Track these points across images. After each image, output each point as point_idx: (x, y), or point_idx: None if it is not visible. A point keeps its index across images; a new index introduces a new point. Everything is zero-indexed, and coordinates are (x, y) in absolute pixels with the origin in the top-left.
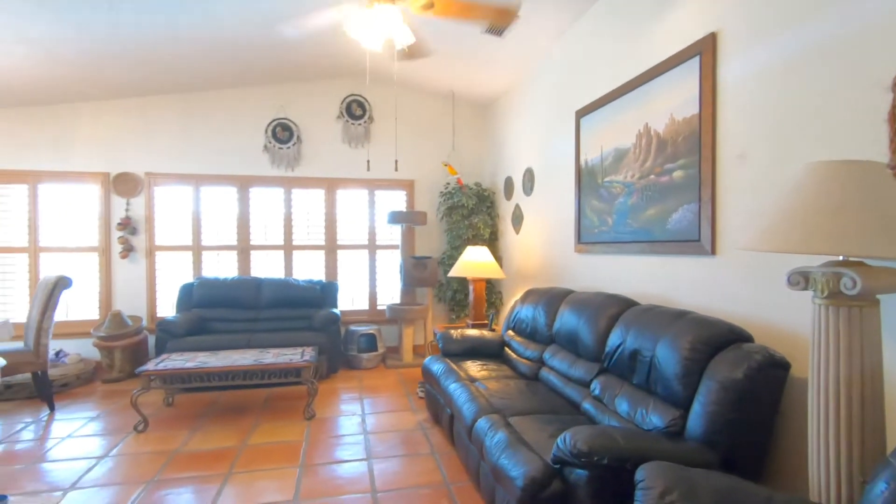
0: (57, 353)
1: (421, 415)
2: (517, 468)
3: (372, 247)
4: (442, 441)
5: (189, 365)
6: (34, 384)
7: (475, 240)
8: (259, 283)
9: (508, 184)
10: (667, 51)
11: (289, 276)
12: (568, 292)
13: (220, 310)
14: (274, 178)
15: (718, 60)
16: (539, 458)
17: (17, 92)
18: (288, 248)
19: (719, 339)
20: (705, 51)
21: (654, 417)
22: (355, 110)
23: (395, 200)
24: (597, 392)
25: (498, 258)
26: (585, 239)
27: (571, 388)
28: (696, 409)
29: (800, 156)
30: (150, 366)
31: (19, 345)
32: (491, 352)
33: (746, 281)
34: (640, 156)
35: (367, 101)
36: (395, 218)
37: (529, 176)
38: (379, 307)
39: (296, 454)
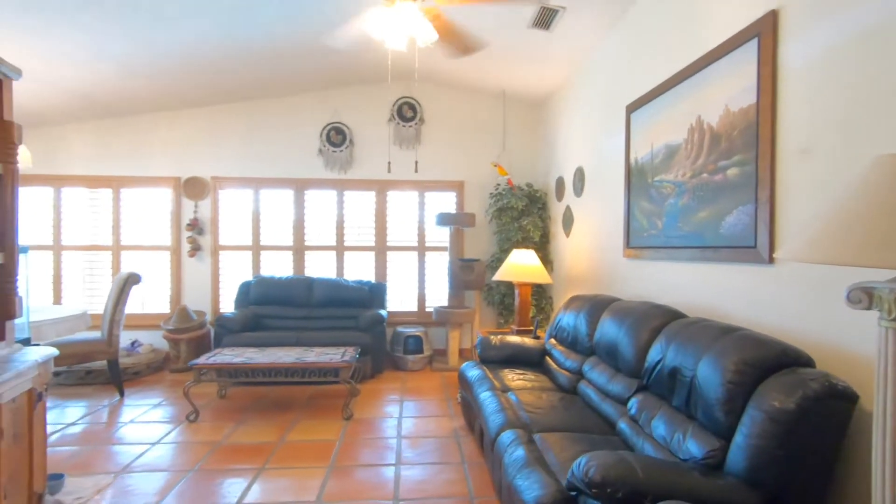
0: (133, 343)
1: (457, 422)
2: (530, 491)
3: (421, 248)
4: (474, 451)
5: (236, 360)
6: (108, 371)
7: (525, 242)
8: (311, 283)
9: (560, 184)
10: (721, 35)
11: (340, 276)
12: (612, 300)
13: (274, 307)
14: (327, 181)
15: (780, 41)
16: (555, 482)
17: (103, 104)
18: (340, 248)
19: (770, 361)
20: (764, 32)
21: (692, 446)
22: (406, 112)
23: (446, 202)
24: (633, 411)
25: (549, 262)
26: (634, 243)
27: (608, 405)
28: (738, 440)
29: (876, 149)
30: (201, 359)
31: (96, 334)
32: (531, 360)
33: (810, 295)
34: (692, 152)
35: (418, 102)
36: (443, 220)
37: (580, 176)
38: (427, 309)
39: (328, 454)
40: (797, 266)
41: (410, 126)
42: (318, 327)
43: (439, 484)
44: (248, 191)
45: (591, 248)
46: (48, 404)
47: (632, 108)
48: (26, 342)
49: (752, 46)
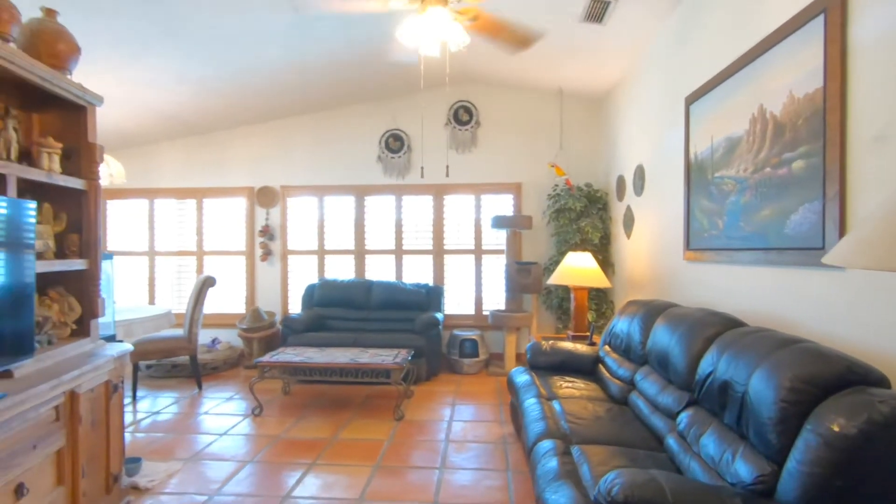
0: (213, 341)
1: (508, 428)
2: None
3: (478, 251)
4: (520, 459)
5: (296, 359)
6: (189, 365)
7: (583, 245)
8: (370, 286)
9: (620, 183)
10: (784, 13)
11: (399, 279)
12: (668, 306)
13: (336, 309)
14: (386, 186)
15: (849, 17)
16: (584, 498)
17: (187, 123)
18: (398, 252)
19: (832, 377)
20: (831, 7)
21: (742, 468)
22: (462, 116)
23: (503, 204)
24: (682, 427)
25: (610, 265)
26: (695, 245)
27: (658, 419)
28: (791, 466)
29: None
30: (265, 358)
31: (179, 332)
32: (583, 368)
33: (889, 304)
34: (754, 145)
35: (474, 105)
36: (499, 223)
37: (640, 174)
38: (484, 312)
39: (376, 453)
40: (872, 271)
41: (466, 129)
42: (375, 329)
43: (481, 491)
44: (313, 198)
45: (651, 250)
46: (140, 394)
47: (690, 99)
48: (111, 339)
49: (818, 24)
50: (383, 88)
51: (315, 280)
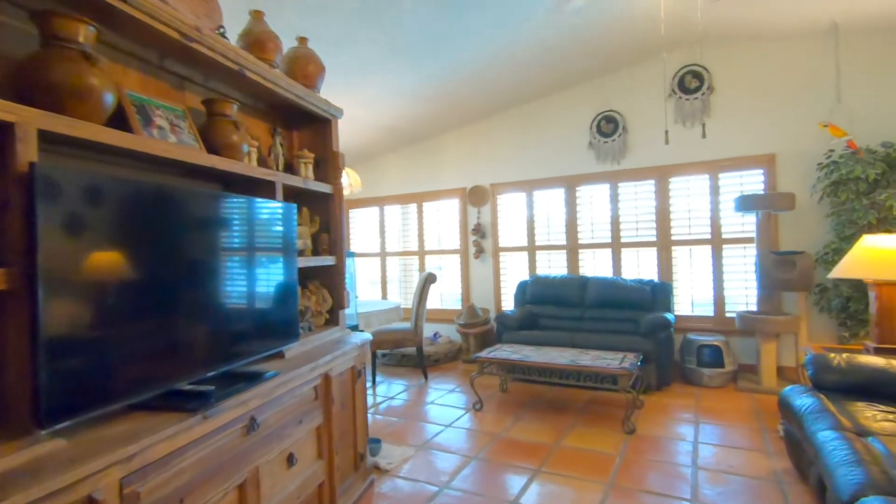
0: (435, 334)
1: (780, 462)
2: None
3: (717, 241)
4: None
5: (514, 357)
6: (416, 356)
7: (884, 224)
8: (585, 282)
9: None
10: None
11: (616, 275)
12: None
13: (548, 307)
14: (599, 174)
15: None
16: None
17: (406, 133)
18: (616, 245)
19: None
20: None
21: None
22: (689, 83)
23: (749, 182)
24: None
25: None
26: None
27: None
28: None
29: None
30: (483, 353)
31: (407, 325)
32: None
33: None
34: None
35: (705, 69)
36: (746, 204)
37: None
38: (728, 314)
39: (606, 469)
40: None
41: (696, 98)
42: (591, 329)
43: None
44: (521, 194)
45: None
46: (378, 379)
47: None
48: (354, 328)
49: None
50: (592, 69)
51: (526, 277)
